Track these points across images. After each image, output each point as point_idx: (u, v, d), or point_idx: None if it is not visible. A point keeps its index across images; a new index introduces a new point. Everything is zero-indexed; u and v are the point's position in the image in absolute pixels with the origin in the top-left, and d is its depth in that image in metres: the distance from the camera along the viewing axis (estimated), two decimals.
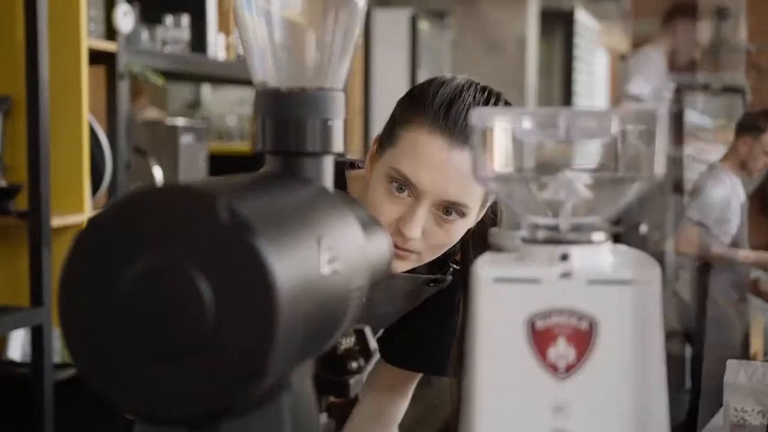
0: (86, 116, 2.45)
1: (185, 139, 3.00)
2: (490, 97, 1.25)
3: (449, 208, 1.23)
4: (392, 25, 5.01)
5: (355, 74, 4.63)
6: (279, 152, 0.80)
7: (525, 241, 0.71)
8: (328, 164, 0.81)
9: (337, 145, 0.81)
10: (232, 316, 0.59)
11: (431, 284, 1.40)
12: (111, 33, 2.62)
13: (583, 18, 7.51)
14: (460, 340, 1.29)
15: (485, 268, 0.68)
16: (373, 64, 4.84)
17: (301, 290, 0.63)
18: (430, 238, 1.25)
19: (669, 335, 4.20)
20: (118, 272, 0.61)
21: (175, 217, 0.61)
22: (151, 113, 4.47)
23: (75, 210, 2.45)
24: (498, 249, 0.80)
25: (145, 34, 2.88)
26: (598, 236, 0.70)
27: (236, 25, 0.82)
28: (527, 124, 0.70)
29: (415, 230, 1.22)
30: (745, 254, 4.40)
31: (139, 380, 0.60)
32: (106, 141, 2.56)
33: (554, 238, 0.69)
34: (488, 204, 1.32)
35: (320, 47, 0.82)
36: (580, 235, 0.69)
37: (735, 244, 4.33)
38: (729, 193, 4.29)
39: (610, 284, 0.66)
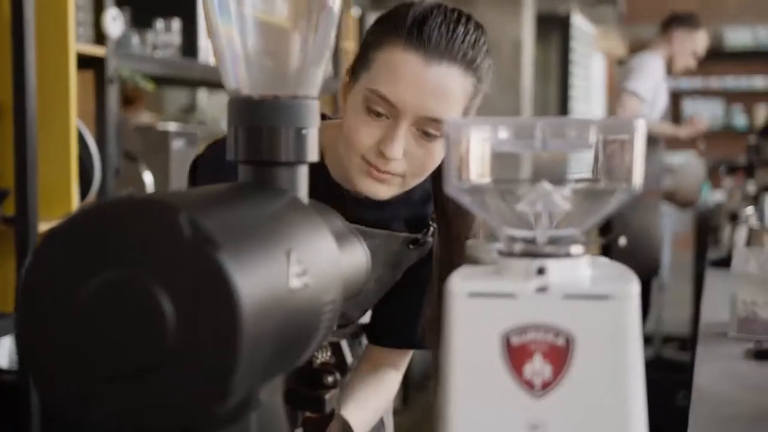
0: (74, 121, 2.43)
1: (177, 144, 2.97)
2: (461, 17, 1.24)
3: (429, 130, 1.22)
4: None
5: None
6: (252, 162, 0.78)
7: (501, 254, 0.69)
8: (303, 174, 0.79)
9: (312, 154, 0.79)
10: (194, 333, 0.57)
11: (411, 246, 1.39)
12: (100, 37, 2.60)
13: (579, 22, 7.49)
14: (438, 305, 1.28)
15: (459, 282, 0.67)
16: None
17: (268, 306, 0.61)
18: (412, 160, 1.24)
19: None
20: (77, 287, 0.59)
21: (137, 230, 0.59)
22: (146, 118, 4.45)
23: (63, 215, 2.43)
24: (475, 262, 0.78)
25: (135, 39, 2.86)
26: (576, 249, 0.68)
27: (208, 31, 0.80)
28: (503, 134, 0.68)
29: (396, 149, 1.21)
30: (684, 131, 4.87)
31: (98, 399, 0.58)
32: (95, 146, 2.53)
33: (531, 251, 0.67)
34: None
35: (294, 54, 0.80)
36: (557, 248, 0.67)
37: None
38: (659, 76, 4.44)
39: (588, 299, 0.65)
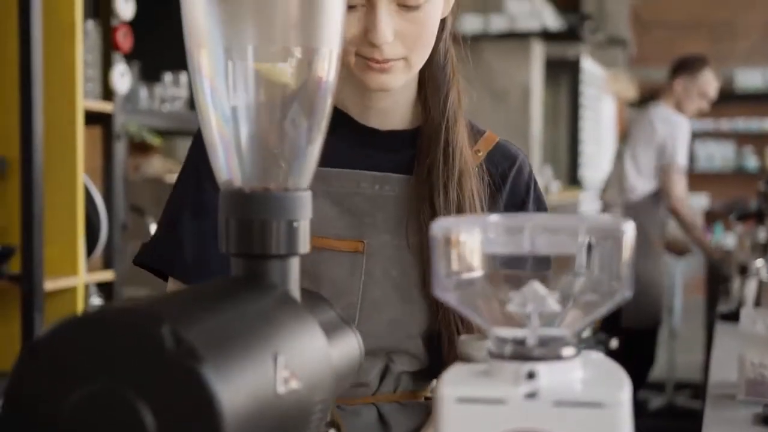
0: (81, 177, 2.44)
1: None
2: None
3: (408, 2, 1.15)
4: None
5: None
6: (243, 255, 0.78)
7: (491, 355, 0.68)
8: (294, 266, 0.79)
9: (303, 245, 0.79)
10: None
11: None
12: (108, 93, 2.62)
13: (588, 66, 7.51)
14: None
15: (449, 387, 0.66)
16: None
17: (252, 416, 0.60)
18: (405, 37, 1.17)
19: None
20: (59, 400, 0.58)
21: (119, 342, 0.58)
22: (158, 164, 4.47)
23: (69, 273, 2.43)
24: (467, 359, 0.77)
25: (143, 92, 2.88)
26: (567, 351, 0.67)
27: (199, 122, 0.80)
28: (492, 235, 0.67)
29: (381, 34, 1.14)
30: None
31: None
32: (102, 202, 2.54)
33: (521, 354, 0.66)
34: None
35: (285, 145, 0.79)
36: (548, 350, 0.67)
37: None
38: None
39: (578, 407, 0.64)
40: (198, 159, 1.26)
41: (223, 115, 0.78)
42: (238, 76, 0.76)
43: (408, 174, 1.25)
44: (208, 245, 1.21)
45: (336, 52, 0.78)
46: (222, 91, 0.77)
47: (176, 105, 2.96)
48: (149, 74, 2.92)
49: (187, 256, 1.23)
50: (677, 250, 5.00)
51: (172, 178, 3.19)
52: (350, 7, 1.15)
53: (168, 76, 2.96)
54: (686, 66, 4.63)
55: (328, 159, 1.27)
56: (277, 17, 0.76)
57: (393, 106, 1.28)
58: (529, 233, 0.66)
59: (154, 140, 2.71)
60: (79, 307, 2.47)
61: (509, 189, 1.29)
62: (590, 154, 7.84)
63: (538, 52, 5.64)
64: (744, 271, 3.22)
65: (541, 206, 1.33)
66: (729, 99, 9.92)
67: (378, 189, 1.24)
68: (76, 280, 2.45)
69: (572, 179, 7.46)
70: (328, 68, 0.78)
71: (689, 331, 6.19)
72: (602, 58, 8.72)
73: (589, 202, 7.50)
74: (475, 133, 1.30)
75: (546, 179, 6.37)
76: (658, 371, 6.09)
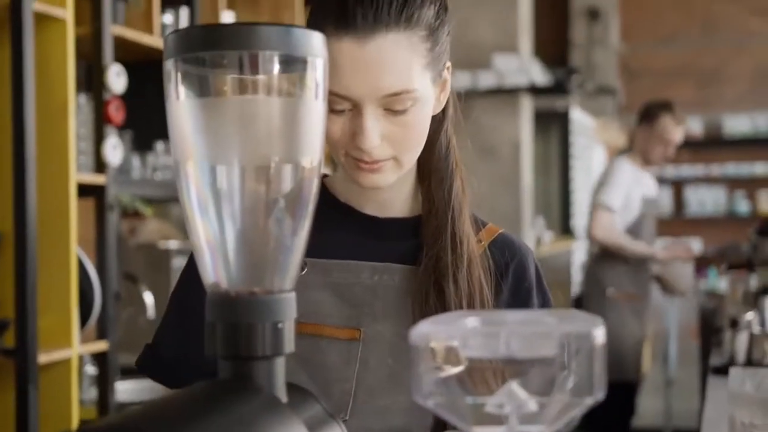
0: (75, 251, 2.46)
1: (177, 263, 3.00)
2: None
3: (395, 107, 1.14)
4: None
5: None
6: (230, 357, 0.80)
7: None
8: (280, 365, 0.81)
9: (289, 345, 0.81)
10: None
11: None
12: (101, 165, 2.65)
13: (578, 116, 7.59)
14: None
15: None
16: None
17: None
18: (393, 140, 1.16)
19: None
20: None
21: None
22: (154, 227, 4.49)
23: (63, 345, 2.45)
24: None
25: (136, 161, 2.91)
26: None
27: (186, 226, 0.83)
28: (469, 339, 0.70)
29: (368, 140, 1.14)
30: (662, 253, 4.67)
31: None
32: (95, 273, 2.56)
33: None
34: (445, 70, 1.23)
35: (270, 249, 0.82)
36: None
37: (632, 234, 4.51)
38: (630, 180, 4.45)
39: None
40: (192, 267, 1.29)
41: (209, 221, 0.81)
42: (223, 187, 0.79)
43: (409, 263, 1.24)
44: (194, 349, 1.23)
45: (317, 161, 0.81)
46: (208, 199, 0.80)
47: (168, 173, 3.00)
48: (141, 143, 2.96)
49: (173, 362, 1.26)
50: (669, 290, 5.00)
51: (166, 243, 3.22)
52: (338, 111, 1.15)
53: (160, 145, 2.99)
54: (644, 115, 4.68)
55: (330, 250, 1.30)
56: (260, 131, 0.79)
57: (392, 197, 1.28)
58: (505, 338, 0.69)
59: (147, 211, 2.74)
60: (74, 379, 2.47)
61: (511, 281, 1.28)
62: (582, 202, 7.89)
63: (527, 106, 5.71)
64: (735, 324, 3.23)
65: (545, 299, 1.31)
66: (718, 144, 10.02)
67: (378, 279, 1.24)
68: (70, 352, 2.46)
69: (564, 228, 7.50)
70: (309, 177, 0.81)
71: (686, 377, 6.18)
72: (592, 106, 8.81)
73: (581, 251, 7.54)
74: (477, 224, 1.30)
75: (538, 230, 6.40)
76: (654, 419, 6.08)
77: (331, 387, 1.21)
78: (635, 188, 4.53)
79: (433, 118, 1.24)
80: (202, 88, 0.80)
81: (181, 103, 0.81)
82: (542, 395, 0.71)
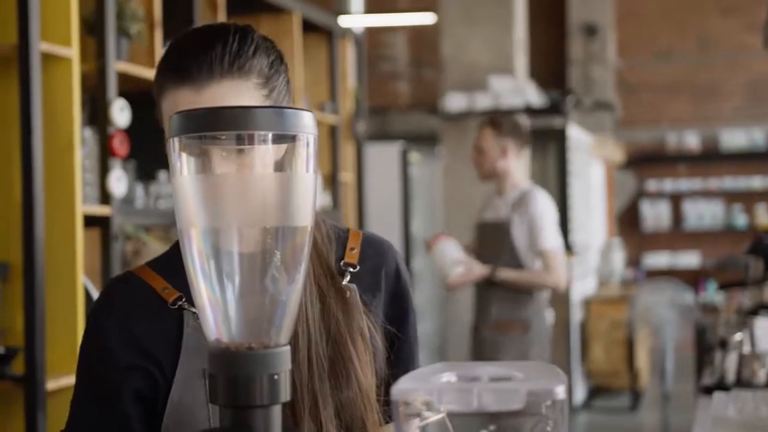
0: (81, 280, 2.54)
1: None
2: (216, 31, 1.23)
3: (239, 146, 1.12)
4: (384, 158, 5.13)
5: (348, 207, 4.75)
6: (230, 406, 0.88)
7: None
8: (276, 413, 0.89)
9: (284, 395, 0.89)
10: None
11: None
12: (105, 197, 2.73)
13: (575, 133, 7.67)
14: None
15: None
16: (367, 197, 4.95)
17: None
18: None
19: None
20: None
21: None
22: (156, 248, 4.57)
23: (70, 372, 2.52)
24: None
25: (140, 190, 3.00)
26: None
27: (190, 287, 0.91)
28: (444, 396, 0.78)
29: None
30: (505, 274, 3.98)
31: None
32: None
33: None
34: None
35: (265, 309, 0.90)
36: None
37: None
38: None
39: None
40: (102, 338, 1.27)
41: (211, 284, 0.89)
42: (222, 251, 0.88)
43: None
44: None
45: (309, 226, 0.89)
46: (209, 262, 0.88)
47: (171, 202, 3.09)
48: (144, 173, 3.05)
49: None
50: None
51: None
52: None
53: (163, 174, 3.08)
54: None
55: None
56: (256, 202, 0.87)
57: None
58: (477, 396, 0.77)
59: (149, 240, 2.82)
60: None
61: (385, 279, 1.34)
62: (580, 218, 7.97)
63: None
64: (724, 344, 3.30)
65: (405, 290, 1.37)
66: (715, 158, 10.11)
67: None
68: None
69: (563, 245, 7.56)
70: (302, 239, 0.89)
71: (684, 390, 6.25)
72: (589, 122, 8.89)
73: (579, 266, 7.61)
74: (338, 233, 1.35)
75: None
76: None
77: None
78: None
79: None
80: (203, 164, 0.89)
81: (184, 178, 0.89)
82: None
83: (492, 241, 4.10)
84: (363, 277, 1.32)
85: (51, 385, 2.44)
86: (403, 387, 0.79)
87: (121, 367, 1.26)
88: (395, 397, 0.78)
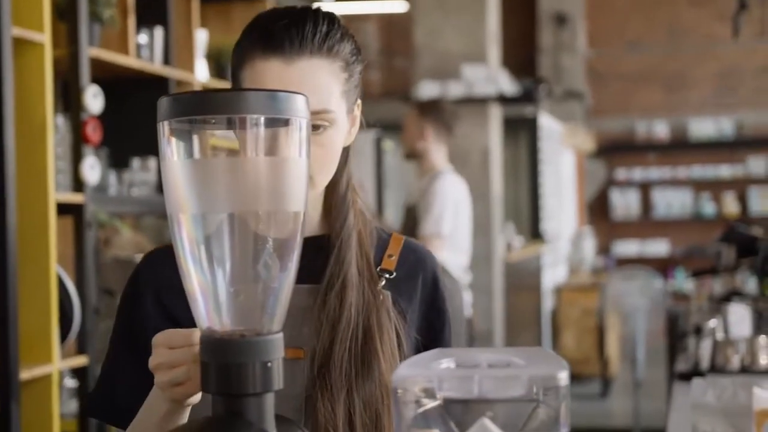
0: (54, 269, 2.50)
1: None
2: (307, 12, 1.25)
3: (314, 121, 1.18)
4: (357, 147, 5.08)
5: None
6: (222, 394, 0.86)
7: None
8: (269, 401, 0.88)
9: (277, 382, 0.88)
10: None
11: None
12: (78, 184, 2.69)
13: (546, 122, 7.69)
14: None
15: None
16: None
17: None
18: (311, 158, 1.17)
19: None
20: None
21: None
22: (128, 237, 4.52)
23: (44, 361, 2.49)
24: None
25: (113, 178, 2.96)
26: None
27: (180, 274, 0.89)
28: (444, 383, 0.76)
29: None
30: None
31: None
32: (74, 289, 2.61)
33: None
34: (356, 107, 1.30)
35: (257, 296, 0.89)
36: None
37: None
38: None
39: None
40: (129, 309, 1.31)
41: (202, 271, 0.87)
42: (213, 238, 0.86)
43: (312, 282, 1.27)
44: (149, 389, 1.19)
45: (302, 212, 0.87)
46: (201, 250, 0.87)
47: (144, 189, 3.05)
48: (118, 160, 3.01)
49: (131, 405, 1.22)
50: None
51: (140, 257, 3.26)
52: None
53: (136, 162, 3.04)
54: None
55: None
56: (248, 186, 0.85)
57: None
58: (478, 380, 0.76)
59: (122, 228, 2.79)
60: (54, 394, 2.52)
61: (421, 287, 1.34)
62: (551, 207, 8.00)
63: (495, 115, 5.79)
64: (698, 330, 3.32)
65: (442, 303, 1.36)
66: (684, 147, 10.18)
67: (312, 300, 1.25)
68: (51, 368, 2.50)
69: (534, 233, 7.59)
70: (294, 224, 0.88)
71: (654, 377, 6.29)
72: (560, 111, 8.91)
73: (550, 254, 7.65)
74: (383, 235, 1.35)
75: (509, 236, 6.48)
76: (623, 419, 6.19)
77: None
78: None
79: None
80: (193, 148, 0.87)
81: (174, 162, 0.87)
82: (513, 428, 0.77)
83: (407, 225, 4.15)
84: (399, 283, 1.32)
85: (24, 375, 2.40)
86: (403, 374, 0.77)
87: (153, 328, 1.23)
88: (395, 384, 0.77)
